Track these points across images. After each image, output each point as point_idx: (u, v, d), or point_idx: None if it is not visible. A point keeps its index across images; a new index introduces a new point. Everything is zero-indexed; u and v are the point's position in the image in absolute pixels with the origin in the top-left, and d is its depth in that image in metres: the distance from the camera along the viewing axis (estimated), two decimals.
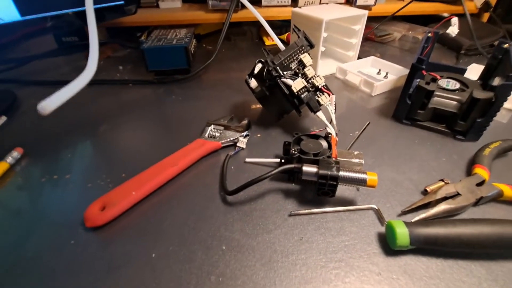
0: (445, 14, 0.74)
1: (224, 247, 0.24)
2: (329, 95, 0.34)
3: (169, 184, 0.30)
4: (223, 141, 0.35)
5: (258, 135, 0.38)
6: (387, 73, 0.51)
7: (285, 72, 0.35)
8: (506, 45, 0.38)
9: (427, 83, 0.36)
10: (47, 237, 0.25)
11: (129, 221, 0.27)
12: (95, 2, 0.50)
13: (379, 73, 0.52)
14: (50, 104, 0.28)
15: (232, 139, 0.35)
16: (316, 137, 0.31)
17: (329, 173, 0.25)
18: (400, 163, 0.33)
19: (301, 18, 0.51)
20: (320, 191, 0.27)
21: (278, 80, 0.34)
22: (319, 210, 0.27)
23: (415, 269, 0.22)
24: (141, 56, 0.51)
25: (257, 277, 0.22)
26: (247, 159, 0.33)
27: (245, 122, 0.37)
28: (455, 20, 0.40)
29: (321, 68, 0.53)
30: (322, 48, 0.49)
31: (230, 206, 0.28)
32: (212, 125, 0.37)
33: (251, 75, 0.38)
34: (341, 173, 0.26)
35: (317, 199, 0.28)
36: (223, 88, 0.50)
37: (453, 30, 0.40)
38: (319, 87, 0.35)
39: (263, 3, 0.65)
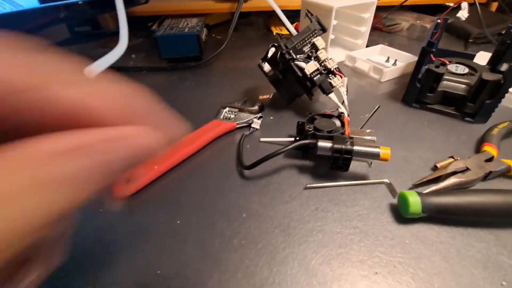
0: (451, 4, 0.74)
1: (244, 215, 0.25)
2: (341, 77, 0.35)
3: (188, 161, 0.32)
4: (238, 122, 0.36)
5: (271, 118, 0.39)
6: (395, 60, 0.51)
7: (298, 56, 0.36)
8: None
9: (437, 67, 0.37)
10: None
11: (152, 193, 0.28)
12: None
13: (387, 61, 0.53)
14: (94, 69, 0.30)
15: (246, 120, 0.36)
16: (329, 116, 0.32)
17: (343, 147, 0.26)
18: (410, 143, 0.34)
19: (311, 6, 0.52)
20: (334, 165, 0.28)
21: (292, 63, 0.35)
22: (333, 184, 0.28)
23: (427, 235, 0.24)
24: (153, 45, 0.52)
25: (276, 241, 0.23)
26: (262, 139, 0.34)
27: (258, 105, 0.39)
28: (464, 4, 0.40)
29: (331, 56, 0.54)
30: (331, 36, 0.50)
31: (247, 180, 0.29)
32: (227, 108, 0.38)
33: (265, 59, 0.39)
34: (355, 148, 0.27)
35: (331, 174, 0.29)
36: (234, 75, 0.51)
37: (463, 14, 0.40)
38: (332, 69, 0.36)
39: None
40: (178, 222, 0.25)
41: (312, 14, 0.37)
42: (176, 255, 0.22)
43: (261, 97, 0.45)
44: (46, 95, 0.09)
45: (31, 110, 0.09)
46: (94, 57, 0.62)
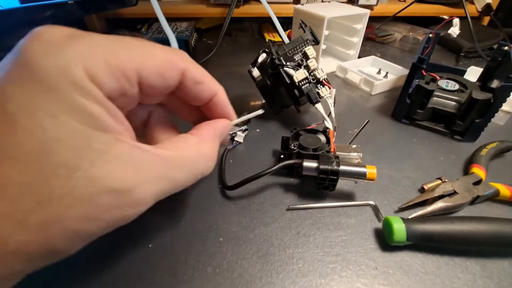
0: (445, 17, 0.74)
1: (221, 239, 0.24)
2: (329, 88, 0.34)
3: None
4: None
5: (257, 130, 0.38)
6: (387, 72, 0.51)
7: (288, 63, 0.35)
8: (506, 47, 0.39)
9: (427, 83, 0.36)
10: None
11: None
12: None
13: (379, 72, 0.52)
14: None
15: (230, 132, 0.35)
16: (314, 131, 0.31)
17: (329, 167, 0.25)
18: (398, 161, 0.33)
19: (303, 15, 0.51)
20: (320, 186, 0.27)
21: (281, 69, 0.34)
22: (317, 205, 0.27)
23: (411, 264, 0.23)
24: None
25: (253, 270, 0.22)
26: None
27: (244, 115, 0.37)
28: (456, 20, 0.40)
29: (322, 66, 0.53)
30: (323, 46, 0.49)
31: (227, 199, 0.28)
32: None
33: (254, 64, 0.38)
34: (342, 168, 0.26)
35: (316, 193, 0.28)
36: (224, 82, 0.49)
37: (455, 30, 0.40)
38: (320, 79, 0.35)
39: None
40: (150, 246, 0.23)
41: (306, 25, 0.36)
42: (145, 284, 0.21)
43: (252, 103, 0.44)
44: (209, 86, 0.19)
45: (200, 92, 0.19)
46: None
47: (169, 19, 0.62)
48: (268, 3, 0.66)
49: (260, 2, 0.65)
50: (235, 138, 0.35)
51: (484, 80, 0.42)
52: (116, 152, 0.13)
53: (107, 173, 0.13)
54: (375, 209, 0.27)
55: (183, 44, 0.51)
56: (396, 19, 0.68)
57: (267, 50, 0.36)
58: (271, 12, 0.45)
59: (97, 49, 0.13)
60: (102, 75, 0.13)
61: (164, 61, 0.16)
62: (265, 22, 0.74)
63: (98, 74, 0.13)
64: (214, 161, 0.19)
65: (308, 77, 0.33)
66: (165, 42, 0.51)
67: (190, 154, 0.17)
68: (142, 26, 0.66)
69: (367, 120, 0.39)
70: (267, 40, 0.36)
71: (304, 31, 0.35)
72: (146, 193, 0.14)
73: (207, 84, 0.19)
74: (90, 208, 0.13)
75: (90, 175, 0.12)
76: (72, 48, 0.12)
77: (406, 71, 0.48)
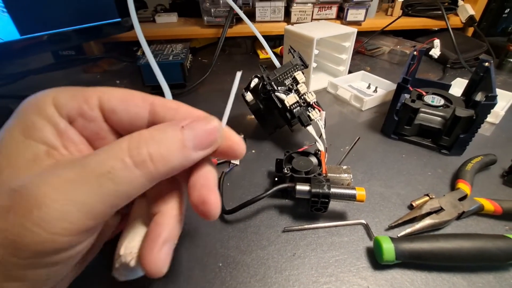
0: (435, 28, 0.77)
1: (220, 264, 0.25)
2: (319, 111, 0.36)
3: None
4: (218, 157, 0.36)
5: (253, 151, 0.39)
6: (376, 87, 0.53)
7: (279, 87, 0.36)
8: (487, 64, 0.41)
9: (413, 101, 0.38)
10: None
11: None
12: (92, 20, 0.52)
13: (369, 87, 0.54)
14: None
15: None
16: (306, 154, 0.32)
17: (320, 191, 0.27)
18: (388, 178, 0.34)
19: (293, 35, 0.53)
20: (313, 208, 0.28)
21: (272, 94, 0.36)
22: (311, 226, 0.28)
23: (401, 282, 0.24)
24: (138, 70, 0.52)
25: None
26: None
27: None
28: (437, 42, 0.42)
29: (314, 83, 0.55)
30: (314, 64, 0.51)
31: (225, 223, 0.29)
32: None
33: (247, 89, 0.39)
34: (332, 190, 0.27)
35: (310, 214, 0.30)
36: (218, 102, 0.52)
37: (435, 52, 0.42)
38: (311, 103, 0.36)
39: (257, 18, 0.67)
40: None
41: (294, 50, 0.38)
42: None
43: (249, 117, 0.46)
44: (185, 110, 0.18)
45: (179, 117, 0.17)
46: (79, 83, 0.61)
47: (165, 41, 0.64)
48: (261, 22, 0.68)
49: (253, 22, 0.67)
50: (232, 161, 0.36)
51: (468, 93, 0.44)
52: (40, 160, 0.14)
53: (16, 174, 0.13)
54: (367, 228, 0.28)
55: (179, 67, 0.52)
56: (384, 32, 0.71)
57: (258, 75, 0.37)
58: (259, 34, 0.47)
59: (71, 88, 0.16)
60: (63, 99, 0.15)
61: (128, 93, 0.17)
62: (258, 39, 0.76)
63: (60, 99, 0.15)
64: (154, 145, 0.14)
65: (299, 100, 0.35)
66: (162, 66, 0.53)
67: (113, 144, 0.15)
68: (138, 49, 0.68)
69: (358, 137, 0.41)
70: (259, 65, 0.38)
71: (293, 56, 0.37)
72: (48, 187, 0.12)
73: (182, 109, 0.18)
74: None
75: (3, 177, 0.13)
76: (52, 90, 0.16)
77: (394, 86, 0.50)
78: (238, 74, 0.20)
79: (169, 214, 0.17)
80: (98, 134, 0.17)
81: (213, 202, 0.16)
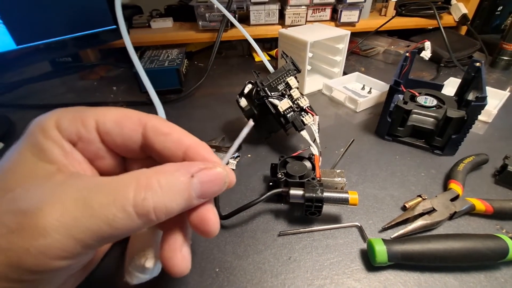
0: (429, 27, 0.77)
1: (217, 269, 0.26)
2: (312, 115, 0.37)
3: None
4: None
5: (249, 155, 0.40)
6: (370, 88, 0.53)
7: (272, 93, 0.37)
8: (478, 64, 0.41)
9: (405, 103, 0.38)
10: None
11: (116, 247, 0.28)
12: (88, 28, 0.52)
13: (363, 88, 0.55)
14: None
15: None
16: (301, 158, 0.33)
17: (314, 195, 0.27)
18: (382, 180, 0.35)
19: (287, 39, 0.54)
20: (307, 212, 0.28)
21: (266, 100, 0.36)
22: (306, 230, 0.29)
23: (394, 283, 0.24)
24: (134, 76, 0.53)
25: None
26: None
27: None
28: (428, 44, 0.43)
29: (308, 85, 0.55)
30: (308, 67, 0.52)
31: (222, 228, 0.29)
32: None
33: (241, 94, 0.40)
34: (325, 194, 0.28)
35: (305, 217, 0.30)
36: (215, 106, 0.52)
37: (426, 54, 0.43)
38: (304, 107, 0.37)
39: (252, 21, 0.67)
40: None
41: (287, 55, 0.39)
42: None
43: (245, 121, 0.46)
44: (176, 137, 0.18)
45: (167, 145, 0.18)
46: (76, 90, 0.62)
47: (161, 46, 0.65)
48: (256, 25, 0.69)
49: (248, 25, 0.68)
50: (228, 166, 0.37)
51: (461, 93, 0.45)
52: (52, 178, 0.15)
53: (26, 194, 0.14)
54: (360, 230, 0.29)
55: (175, 73, 0.53)
56: (378, 33, 0.71)
57: (252, 81, 0.38)
58: (251, 39, 0.47)
59: (70, 110, 0.17)
60: (64, 124, 0.16)
61: (122, 114, 0.18)
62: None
63: (61, 123, 0.16)
64: (160, 197, 0.14)
65: (292, 106, 0.35)
66: (158, 72, 0.53)
67: (120, 178, 0.14)
68: None
69: (352, 140, 0.41)
70: (252, 71, 0.38)
71: (286, 61, 0.38)
72: (53, 217, 0.12)
73: (173, 135, 0.18)
74: None
75: (11, 195, 0.14)
76: (55, 112, 0.17)
77: (388, 87, 0.51)
78: (250, 123, 0.22)
79: (182, 215, 0.17)
80: (97, 154, 0.18)
81: (212, 220, 0.17)
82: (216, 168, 0.17)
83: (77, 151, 0.17)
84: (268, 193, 0.28)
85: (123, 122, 0.17)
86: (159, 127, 0.18)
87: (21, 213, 0.13)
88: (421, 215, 0.29)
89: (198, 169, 0.16)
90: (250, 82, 0.39)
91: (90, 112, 0.17)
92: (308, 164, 0.32)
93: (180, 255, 0.17)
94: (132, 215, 0.13)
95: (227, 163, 0.36)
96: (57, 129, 0.16)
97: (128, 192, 0.14)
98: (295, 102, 0.37)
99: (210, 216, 0.17)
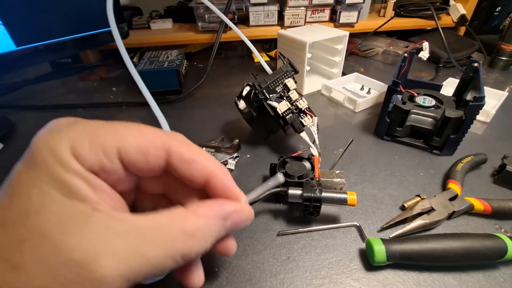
0: (428, 28, 0.78)
1: (216, 269, 0.26)
2: (311, 117, 0.37)
3: None
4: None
5: (248, 156, 0.40)
6: (369, 89, 0.54)
7: (271, 95, 0.37)
8: (476, 64, 0.41)
9: (404, 103, 0.38)
10: None
11: None
12: (87, 29, 0.52)
13: (362, 88, 0.55)
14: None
15: (222, 161, 0.37)
16: (300, 158, 0.33)
17: (312, 195, 0.27)
18: (381, 180, 0.35)
19: (286, 40, 0.54)
20: (306, 212, 0.29)
21: (264, 103, 0.36)
22: (305, 229, 0.29)
23: (393, 283, 0.24)
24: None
25: None
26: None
27: (235, 143, 0.39)
28: (426, 45, 0.43)
29: (308, 86, 0.56)
30: (307, 68, 0.52)
31: None
32: (203, 148, 0.39)
33: (240, 97, 0.40)
34: (324, 194, 0.28)
35: (304, 218, 0.30)
36: (214, 107, 0.52)
37: (424, 54, 0.43)
38: (303, 109, 0.37)
39: (251, 22, 0.68)
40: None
41: (284, 57, 0.39)
42: None
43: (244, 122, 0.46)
44: (201, 165, 0.18)
45: (190, 172, 0.18)
46: (76, 91, 0.62)
47: (160, 47, 0.65)
48: (255, 26, 0.69)
49: (247, 26, 0.68)
50: (227, 166, 0.37)
51: (459, 93, 0.45)
52: (91, 221, 0.14)
53: (74, 242, 0.13)
54: (359, 230, 0.29)
55: (174, 74, 0.53)
56: (377, 33, 0.71)
57: (250, 83, 0.38)
58: (248, 42, 0.48)
59: (84, 131, 0.15)
60: (83, 152, 0.15)
61: (146, 140, 0.16)
62: (252, 43, 0.77)
63: (80, 151, 0.15)
64: (202, 243, 0.17)
65: (291, 107, 0.36)
66: (157, 73, 0.53)
67: (166, 225, 0.16)
68: (134, 56, 0.69)
69: (351, 140, 0.41)
70: (250, 73, 0.38)
71: (283, 63, 0.38)
72: (110, 268, 0.13)
73: (198, 163, 0.18)
74: (49, 279, 0.13)
75: (58, 244, 0.13)
76: (64, 132, 0.15)
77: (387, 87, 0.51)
78: (280, 177, 0.24)
79: None
80: (119, 180, 0.17)
81: (233, 247, 0.21)
82: (245, 210, 0.19)
83: (101, 181, 0.16)
84: (267, 192, 0.28)
85: (147, 149, 0.16)
86: (183, 153, 0.17)
87: (76, 265, 0.13)
88: (419, 214, 0.29)
89: (231, 211, 0.18)
90: (248, 84, 0.39)
91: (109, 136, 0.16)
92: (307, 164, 0.32)
93: (196, 274, 0.20)
94: (179, 261, 0.16)
95: (226, 163, 0.37)
96: (75, 157, 0.15)
97: (177, 243, 0.16)
98: (294, 104, 0.37)
99: (231, 244, 0.20)
